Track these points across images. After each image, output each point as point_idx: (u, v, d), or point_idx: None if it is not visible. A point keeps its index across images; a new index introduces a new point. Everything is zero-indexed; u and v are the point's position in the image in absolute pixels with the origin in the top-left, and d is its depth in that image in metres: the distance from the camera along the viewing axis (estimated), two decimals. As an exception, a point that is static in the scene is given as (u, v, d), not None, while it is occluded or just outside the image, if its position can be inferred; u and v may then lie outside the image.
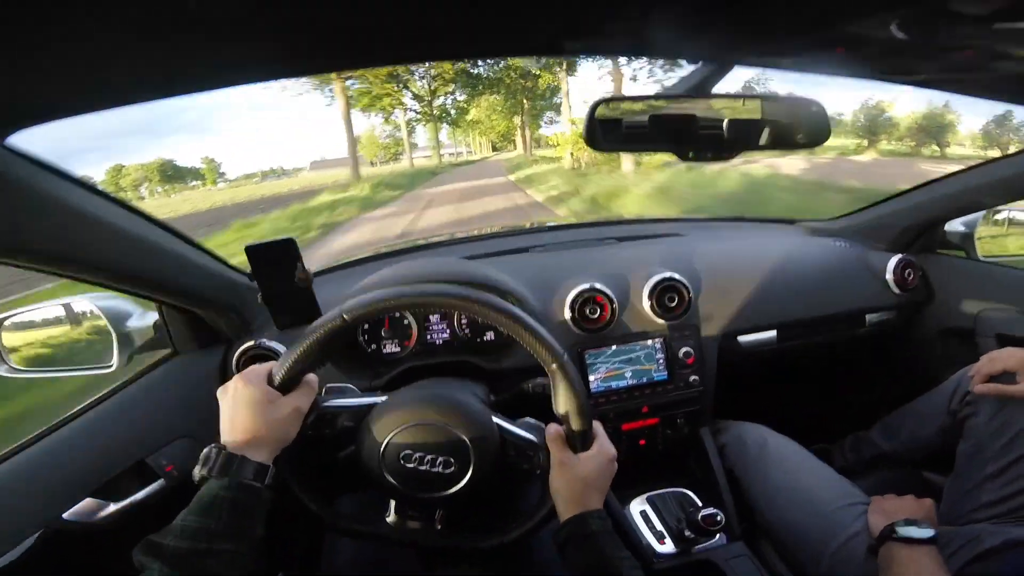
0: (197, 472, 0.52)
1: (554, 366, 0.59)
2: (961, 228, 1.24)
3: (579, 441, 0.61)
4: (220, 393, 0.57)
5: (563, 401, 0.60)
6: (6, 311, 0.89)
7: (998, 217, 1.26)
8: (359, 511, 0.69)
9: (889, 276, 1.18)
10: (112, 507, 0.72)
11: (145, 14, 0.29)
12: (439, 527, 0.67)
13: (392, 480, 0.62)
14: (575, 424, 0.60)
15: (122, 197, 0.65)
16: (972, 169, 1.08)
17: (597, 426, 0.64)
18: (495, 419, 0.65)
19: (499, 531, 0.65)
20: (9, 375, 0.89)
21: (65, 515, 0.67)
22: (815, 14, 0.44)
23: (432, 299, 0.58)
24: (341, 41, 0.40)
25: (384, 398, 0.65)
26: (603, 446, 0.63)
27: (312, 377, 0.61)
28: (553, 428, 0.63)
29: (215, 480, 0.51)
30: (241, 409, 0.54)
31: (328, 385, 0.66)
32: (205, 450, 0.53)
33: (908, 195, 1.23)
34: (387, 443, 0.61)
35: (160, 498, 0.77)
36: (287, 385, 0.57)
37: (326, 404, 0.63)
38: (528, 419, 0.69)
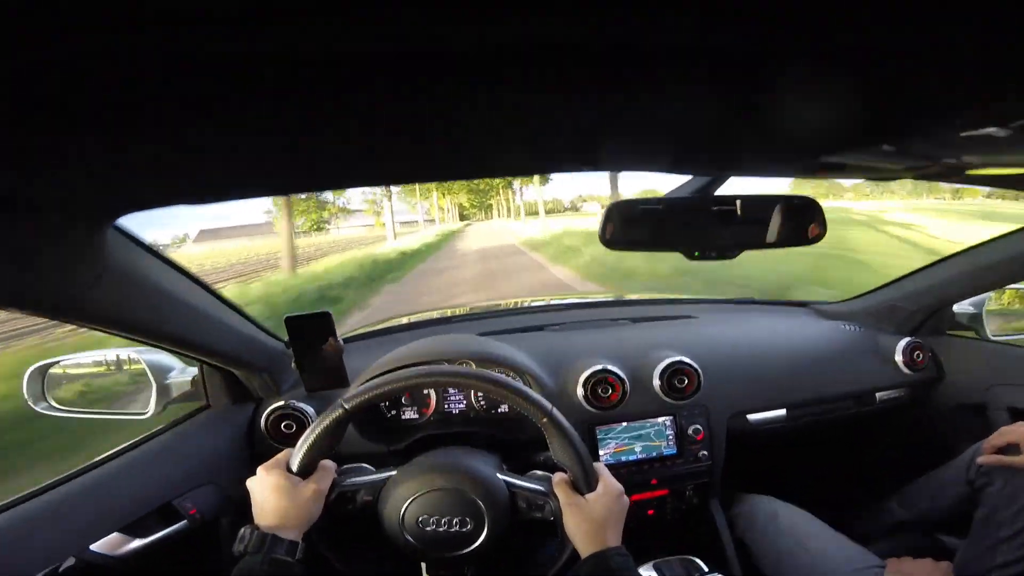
0: (235, 549, 0.58)
1: (544, 420, 0.65)
2: (970, 309, 1.26)
3: (583, 483, 0.65)
4: (249, 483, 0.64)
5: (560, 449, 0.65)
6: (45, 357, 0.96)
7: (1006, 295, 1.29)
8: None
9: (899, 358, 1.20)
10: (136, 543, 0.75)
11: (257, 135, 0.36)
12: None
13: (415, 543, 0.66)
14: (575, 468, 0.65)
15: (192, 271, 0.73)
16: (978, 247, 1.12)
17: (600, 466, 0.68)
18: (501, 476, 0.70)
19: None
20: (47, 412, 0.95)
21: (92, 547, 0.71)
22: (791, 151, 0.50)
23: (423, 380, 0.65)
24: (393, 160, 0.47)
25: (395, 472, 0.70)
26: (608, 484, 0.66)
27: (328, 462, 0.67)
28: (558, 475, 0.67)
29: (251, 556, 0.57)
30: (268, 494, 0.61)
31: (344, 467, 0.72)
32: (241, 530, 0.59)
33: (916, 277, 1.26)
34: (404, 512, 0.66)
35: (181, 538, 0.81)
36: (304, 470, 0.64)
37: (344, 484, 0.69)
38: (535, 472, 0.74)
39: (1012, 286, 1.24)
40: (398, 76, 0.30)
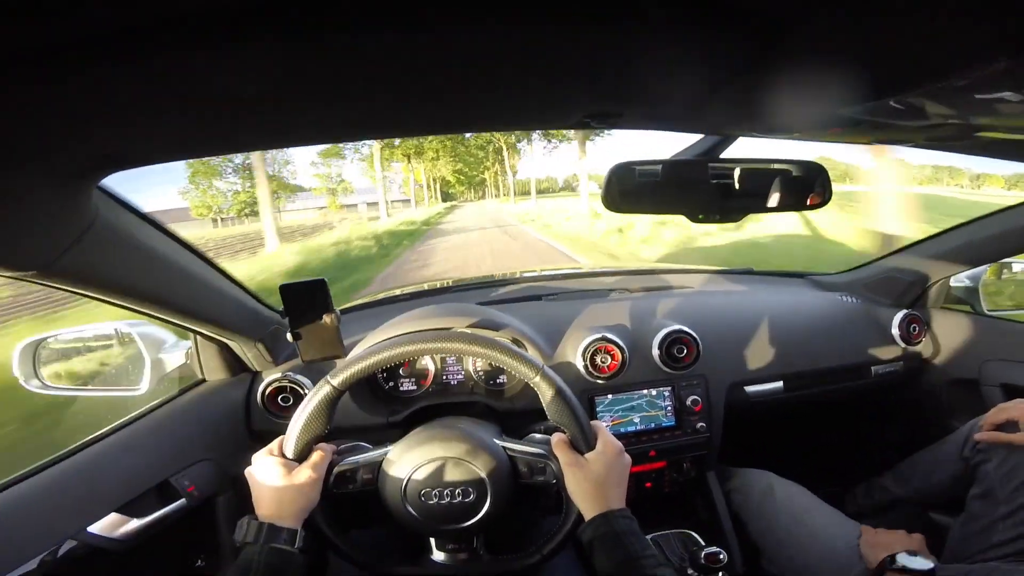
0: (235, 538, 0.58)
1: (536, 378, 0.64)
2: (966, 283, 1.27)
3: (582, 442, 0.64)
4: (247, 472, 0.64)
5: (554, 408, 0.64)
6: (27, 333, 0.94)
7: (1003, 270, 1.29)
8: (403, 555, 0.72)
9: (895, 331, 1.21)
10: (134, 523, 0.75)
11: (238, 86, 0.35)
12: (482, 554, 0.70)
13: (420, 518, 0.65)
14: (573, 426, 0.64)
15: (183, 236, 0.71)
16: (975, 222, 1.12)
17: (598, 424, 0.67)
18: (500, 442, 0.69)
19: (537, 547, 0.68)
20: (40, 390, 0.93)
21: (90, 528, 0.70)
22: (807, 104, 0.49)
23: (411, 349, 0.64)
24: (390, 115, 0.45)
25: (392, 448, 0.69)
26: (608, 441, 0.65)
27: (325, 445, 0.66)
28: (556, 435, 0.66)
29: (250, 546, 0.57)
30: (264, 483, 0.61)
31: (340, 447, 0.71)
32: (240, 520, 0.59)
33: (913, 249, 1.26)
34: (406, 486, 0.65)
35: (180, 517, 0.80)
36: (299, 454, 0.63)
37: (341, 464, 0.68)
38: (533, 435, 0.73)
39: (1009, 259, 1.24)
40: (395, 13, 0.28)
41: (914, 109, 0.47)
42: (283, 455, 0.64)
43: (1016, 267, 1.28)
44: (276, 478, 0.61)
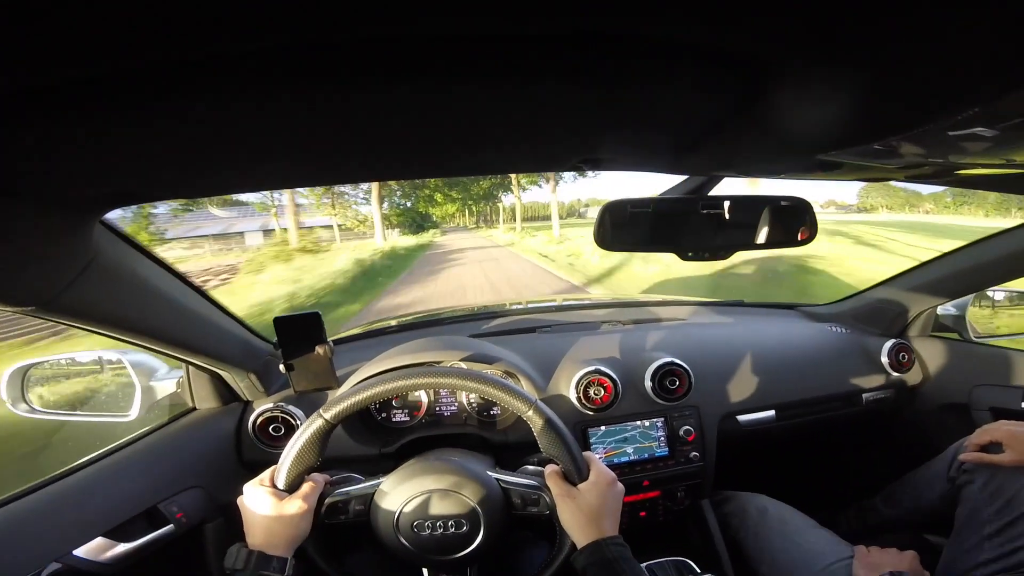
0: (225, 566, 0.58)
1: (529, 412, 0.64)
2: (953, 311, 1.29)
3: (574, 473, 0.64)
4: (239, 501, 0.64)
5: (547, 441, 0.65)
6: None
7: (987, 298, 1.31)
8: None
9: (884, 359, 1.23)
10: (120, 548, 0.74)
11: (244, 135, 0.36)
12: None
13: (413, 549, 0.65)
14: (565, 458, 0.64)
15: (178, 269, 0.71)
16: (960, 251, 1.14)
17: (591, 455, 0.67)
18: (493, 474, 0.69)
19: None
20: (27, 415, 0.92)
21: (76, 552, 0.69)
22: (789, 150, 0.51)
23: (404, 384, 0.64)
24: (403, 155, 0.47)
25: (384, 479, 0.69)
26: (600, 472, 0.65)
27: (317, 476, 0.67)
28: (549, 467, 0.67)
29: (240, 573, 0.57)
30: (254, 512, 0.61)
31: (332, 478, 0.71)
32: (230, 548, 0.59)
33: (899, 279, 1.29)
34: (398, 518, 0.65)
35: (168, 543, 0.79)
36: (290, 486, 0.63)
37: (334, 495, 0.67)
38: (527, 467, 0.73)
39: (993, 288, 1.26)
40: (396, 67, 0.30)
41: (893, 151, 0.49)
42: (274, 485, 0.63)
43: (999, 295, 1.31)
44: (267, 508, 0.61)
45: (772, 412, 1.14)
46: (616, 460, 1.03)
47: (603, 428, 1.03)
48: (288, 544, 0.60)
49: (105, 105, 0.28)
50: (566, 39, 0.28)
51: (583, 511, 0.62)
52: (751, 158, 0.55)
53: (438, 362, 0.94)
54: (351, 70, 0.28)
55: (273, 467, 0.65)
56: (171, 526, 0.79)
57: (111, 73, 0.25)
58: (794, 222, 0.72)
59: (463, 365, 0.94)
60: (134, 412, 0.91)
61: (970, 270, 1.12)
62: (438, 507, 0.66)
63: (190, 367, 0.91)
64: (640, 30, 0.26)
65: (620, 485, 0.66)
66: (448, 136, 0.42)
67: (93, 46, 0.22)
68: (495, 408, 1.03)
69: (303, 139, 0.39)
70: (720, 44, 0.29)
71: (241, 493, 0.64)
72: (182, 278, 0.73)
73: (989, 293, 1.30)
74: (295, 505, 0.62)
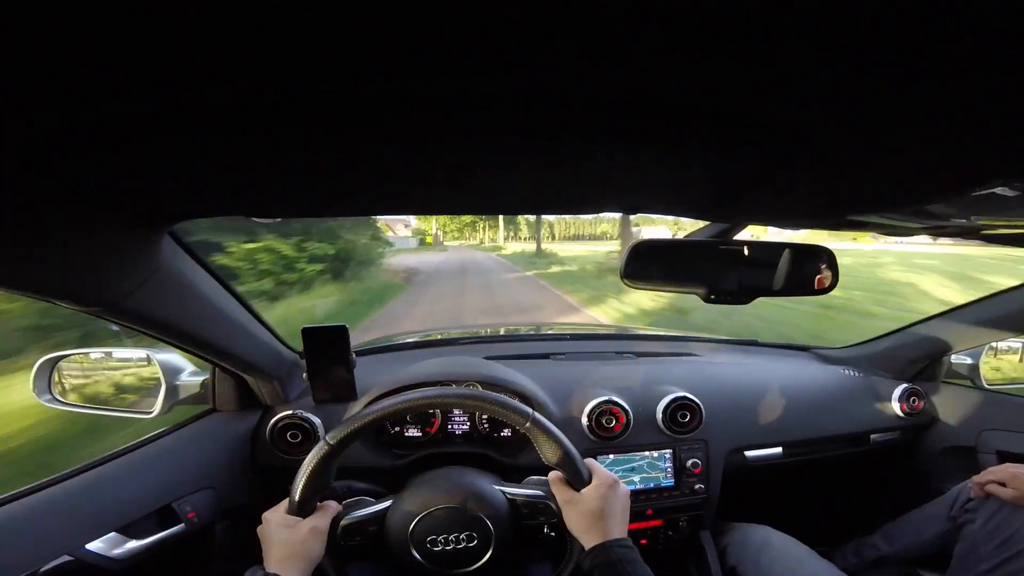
0: None
1: (528, 424, 0.66)
2: (968, 360, 1.30)
3: (576, 478, 0.66)
4: (258, 531, 0.66)
5: (548, 451, 0.66)
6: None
7: (1001, 347, 1.31)
8: None
9: (895, 403, 1.23)
10: (132, 544, 0.76)
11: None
12: None
13: (428, 565, 0.67)
14: (566, 465, 0.66)
15: (223, 277, 0.75)
16: (979, 302, 1.15)
17: (592, 461, 0.69)
18: (498, 487, 0.72)
19: None
20: (50, 404, 0.95)
21: (88, 546, 0.71)
22: (818, 209, 0.53)
23: (401, 407, 0.66)
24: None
25: (395, 499, 0.71)
26: (602, 475, 0.67)
27: (331, 503, 0.69)
28: (553, 474, 0.68)
29: None
30: (269, 535, 0.63)
31: (345, 502, 0.72)
32: (248, 571, 0.62)
33: (915, 328, 1.29)
34: (411, 535, 0.67)
35: (178, 542, 0.81)
36: (302, 509, 0.65)
37: (348, 519, 0.69)
38: (531, 478, 0.75)
39: (1009, 341, 1.26)
40: (457, 125, 0.32)
41: (920, 212, 0.51)
42: (290, 511, 0.66)
43: (1013, 346, 1.31)
44: (281, 532, 0.63)
45: (779, 449, 1.14)
46: (624, 485, 1.04)
47: (612, 456, 1.05)
48: (301, 566, 0.62)
49: (179, 132, 0.31)
50: (608, 103, 0.30)
51: (587, 514, 0.63)
52: (779, 213, 0.57)
53: (455, 383, 0.96)
54: (408, 117, 0.31)
55: (286, 500, 0.67)
56: (182, 525, 0.81)
57: (187, 105, 0.28)
58: (816, 270, 0.74)
59: (479, 386, 0.96)
60: (156, 409, 0.94)
61: (985, 320, 1.14)
62: (448, 522, 0.67)
63: (217, 370, 0.93)
64: (688, 99, 0.29)
65: (623, 487, 0.68)
66: (502, 181, 0.44)
67: (178, 83, 0.25)
68: (506, 429, 1.04)
69: (373, 174, 0.42)
70: (758, 112, 0.31)
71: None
72: (228, 287, 0.76)
73: (1003, 344, 1.30)
74: (305, 527, 0.64)
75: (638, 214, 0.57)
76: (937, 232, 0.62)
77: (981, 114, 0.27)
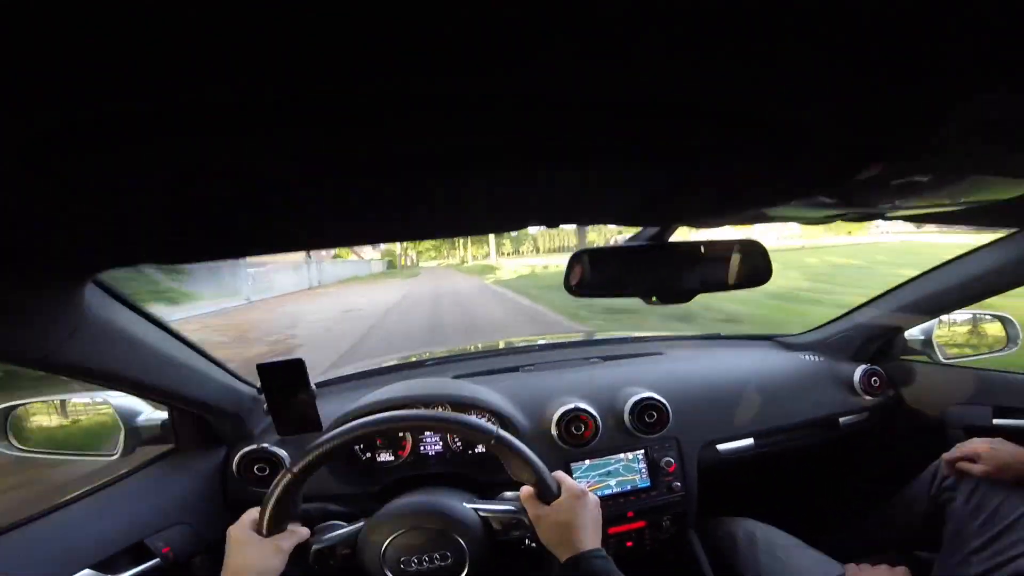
0: None
1: (493, 442, 0.67)
2: (920, 336, 1.34)
3: (546, 492, 0.67)
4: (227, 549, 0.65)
5: (515, 466, 0.67)
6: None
7: (952, 321, 1.36)
8: None
9: (857, 384, 1.27)
10: None
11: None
12: None
13: None
14: (534, 480, 0.67)
15: (163, 320, 0.74)
16: (922, 276, 1.20)
17: (560, 473, 0.70)
18: (469, 504, 0.72)
19: None
20: (11, 452, 0.93)
21: None
22: (733, 204, 0.55)
23: (360, 433, 0.66)
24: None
25: (365, 522, 0.71)
26: (570, 487, 0.68)
27: (302, 528, 0.68)
28: (524, 489, 0.69)
29: None
30: (232, 549, 0.63)
31: (316, 527, 0.72)
32: None
33: (867, 308, 1.34)
34: (384, 557, 0.67)
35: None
36: (268, 530, 0.65)
37: (319, 544, 0.69)
38: (504, 493, 0.76)
39: (957, 311, 1.31)
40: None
41: (839, 200, 0.54)
42: (257, 531, 0.65)
43: (962, 318, 1.36)
44: (242, 545, 0.63)
45: (751, 440, 1.17)
46: (600, 493, 1.05)
47: (587, 462, 1.06)
48: None
49: (95, 174, 0.28)
50: (523, 127, 0.29)
51: (558, 527, 0.64)
52: (700, 212, 0.60)
53: (423, 405, 0.96)
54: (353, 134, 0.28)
55: (253, 510, 0.67)
56: (157, 560, 0.80)
57: (101, 141, 0.24)
58: (751, 264, 0.76)
59: (448, 408, 0.96)
60: (118, 451, 0.92)
61: (932, 295, 1.18)
62: (420, 543, 0.67)
63: (174, 411, 0.93)
64: (586, 125, 0.30)
65: (592, 496, 0.68)
66: (424, 209, 0.45)
67: (81, 96, 0.20)
68: (478, 447, 1.04)
69: (295, 210, 0.41)
70: (660, 132, 0.32)
71: (227, 531, 0.66)
72: (167, 329, 0.75)
73: (953, 316, 1.35)
74: (269, 544, 0.64)
75: (556, 226, 0.58)
76: (849, 217, 0.65)
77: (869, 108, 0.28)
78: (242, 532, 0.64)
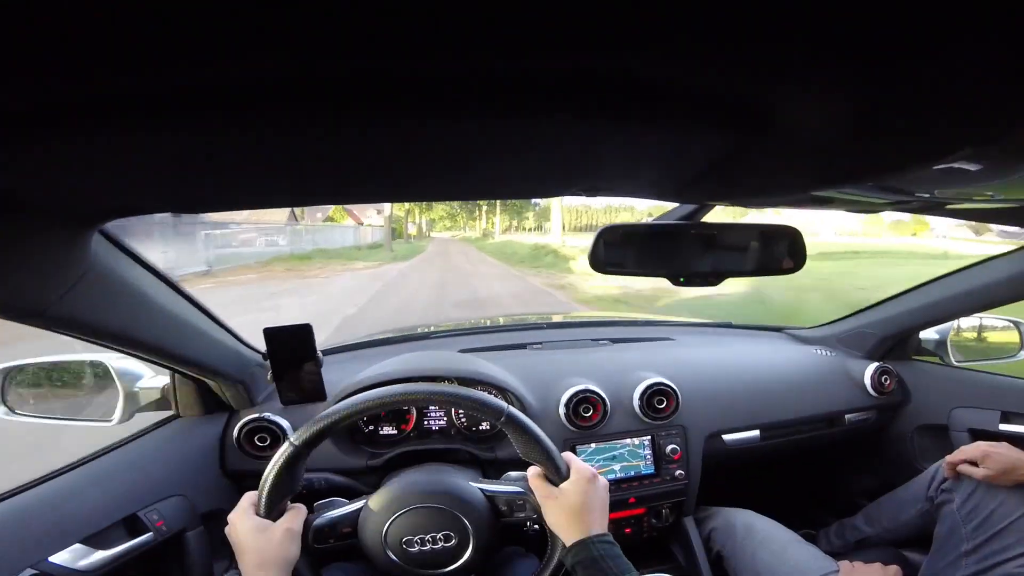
0: None
1: (503, 419, 0.64)
2: (935, 336, 1.33)
3: (554, 473, 0.64)
4: (226, 532, 0.63)
5: (524, 446, 0.65)
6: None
7: (968, 324, 1.35)
8: None
9: (867, 382, 1.25)
10: (98, 555, 0.72)
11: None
12: None
13: (405, 566, 0.65)
14: (544, 460, 0.64)
15: (172, 278, 0.71)
16: (943, 278, 1.18)
17: (569, 455, 0.67)
18: (476, 484, 0.70)
19: None
20: (6, 416, 0.91)
21: (52, 558, 0.68)
22: (782, 185, 0.52)
23: (371, 404, 0.63)
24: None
25: (367, 500, 0.69)
26: (579, 469, 0.65)
27: (300, 506, 0.66)
28: (531, 469, 0.67)
29: None
30: (241, 540, 0.61)
31: (317, 504, 0.70)
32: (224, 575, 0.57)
33: (884, 306, 1.32)
34: (386, 536, 0.65)
35: (147, 551, 0.78)
36: (270, 513, 0.63)
37: (319, 521, 0.67)
38: (510, 473, 0.73)
39: (976, 315, 1.30)
40: (406, 101, 0.30)
41: (883, 187, 0.51)
42: (257, 514, 0.63)
43: (979, 322, 1.34)
44: (250, 534, 0.61)
45: (757, 432, 1.15)
46: (603, 478, 1.04)
47: (593, 445, 1.04)
48: (277, 569, 0.60)
49: (107, 123, 0.28)
50: (570, 78, 0.28)
51: (567, 510, 0.62)
52: (746, 191, 0.57)
53: (430, 378, 0.94)
54: (353, 100, 0.28)
55: (252, 493, 0.64)
56: (151, 534, 0.78)
57: (115, 92, 0.25)
58: (784, 251, 0.74)
59: (455, 382, 0.94)
60: (116, 417, 0.90)
61: (952, 298, 1.16)
62: (424, 522, 0.66)
63: (176, 374, 0.90)
64: (638, 72, 0.27)
65: (602, 479, 0.66)
66: (452, 163, 0.42)
67: (97, 67, 0.22)
68: (484, 423, 1.03)
69: (306, 163, 0.40)
70: (718, 87, 0.30)
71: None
72: (176, 287, 0.72)
73: (969, 320, 1.33)
74: (279, 529, 0.62)
75: (596, 196, 0.55)
76: (902, 208, 0.62)
77: (949, 88, 0.26)
78: (247, 519, 0.62)
